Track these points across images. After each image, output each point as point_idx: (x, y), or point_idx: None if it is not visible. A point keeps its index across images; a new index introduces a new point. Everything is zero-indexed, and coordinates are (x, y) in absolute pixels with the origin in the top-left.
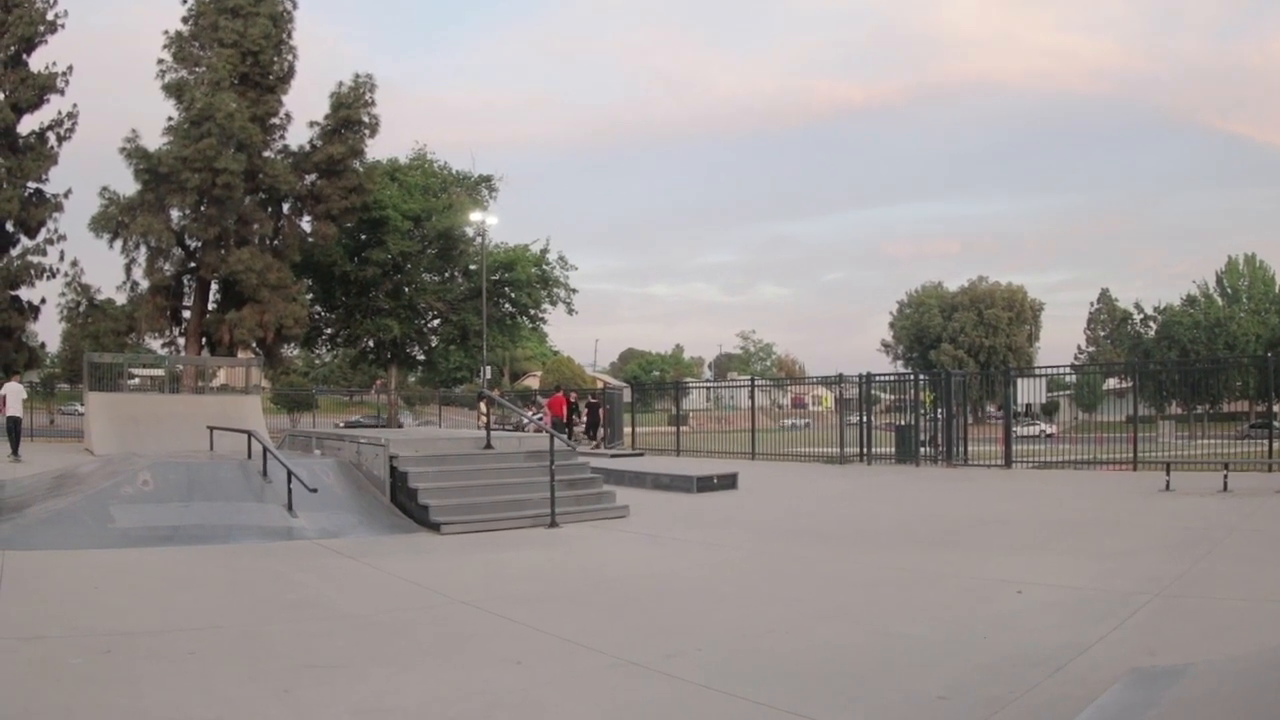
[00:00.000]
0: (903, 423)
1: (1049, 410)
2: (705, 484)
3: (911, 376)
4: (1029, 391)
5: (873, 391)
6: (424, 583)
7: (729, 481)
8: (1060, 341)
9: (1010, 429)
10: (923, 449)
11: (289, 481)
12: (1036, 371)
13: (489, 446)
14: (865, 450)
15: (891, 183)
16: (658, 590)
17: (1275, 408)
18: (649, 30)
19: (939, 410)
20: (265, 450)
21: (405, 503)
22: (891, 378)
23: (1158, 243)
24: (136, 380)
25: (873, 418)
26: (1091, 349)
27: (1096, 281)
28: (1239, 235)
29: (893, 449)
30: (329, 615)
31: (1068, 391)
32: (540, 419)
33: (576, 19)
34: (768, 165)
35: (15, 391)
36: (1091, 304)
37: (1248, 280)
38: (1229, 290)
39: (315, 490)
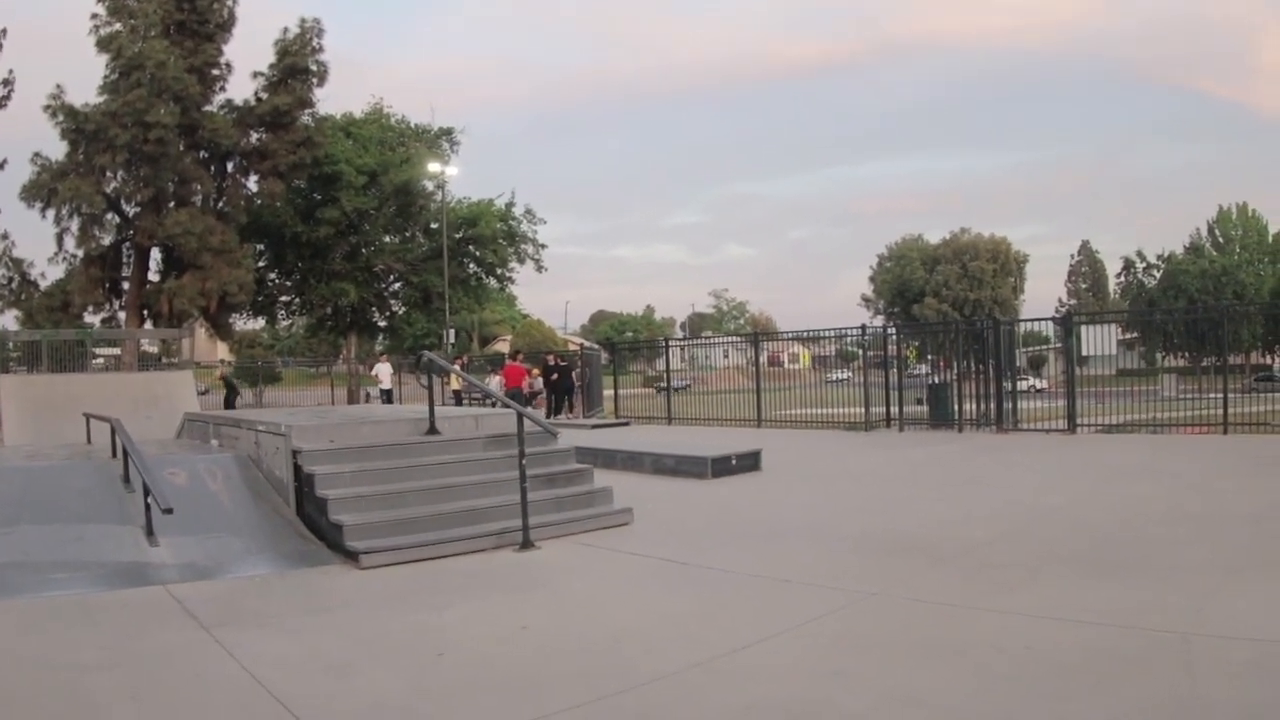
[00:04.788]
0: (936, 380)
1: (1035, 364)
2: (722, 466)
3: (949, 327)
4: (1095, 341)
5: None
6: (293, 692)
7: (751, 461)
8: (1040, 295)
9: (1074, 385)
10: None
11: (145, 496)
12: (1106, 317)
13: (433, 431)
14: (894, 414)
15: (854, 140)
16: (709, 707)
17: None
18: None
19: (973, 366)
20: (125, 450)
21: (315, 517)
22: (936, 327)
23: (1126, 197)
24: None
25: (901, 377)
26: (1073, 302)
27: (1067, 236)
28: (1208, 190)
29: (924, 410)
30: None
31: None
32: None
33: None
34: (726, 126)
35: None
36: (1072, 256)
37: (1240, 230)
38: (1221, 240)
39: (169, 511)
